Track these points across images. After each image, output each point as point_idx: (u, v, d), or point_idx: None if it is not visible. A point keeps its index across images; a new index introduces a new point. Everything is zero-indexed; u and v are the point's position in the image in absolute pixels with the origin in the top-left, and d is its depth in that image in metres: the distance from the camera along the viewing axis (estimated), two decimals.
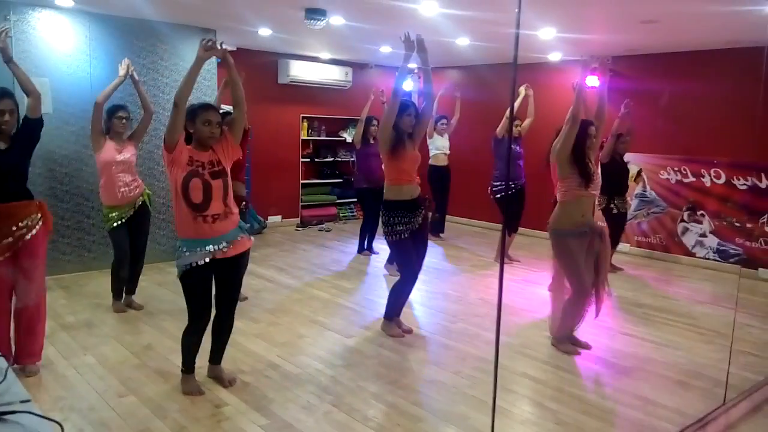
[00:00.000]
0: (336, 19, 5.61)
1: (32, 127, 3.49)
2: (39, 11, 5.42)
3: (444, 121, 7.76)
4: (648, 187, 7.30)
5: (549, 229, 4.10)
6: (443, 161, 7.76)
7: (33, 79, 5.29)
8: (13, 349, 3.55)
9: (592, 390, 3.63)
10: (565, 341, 4.18)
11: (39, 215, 3.46)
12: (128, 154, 4.64)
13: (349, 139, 8.87)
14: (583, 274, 3.99)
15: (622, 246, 6.92)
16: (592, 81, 7.40)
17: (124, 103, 4.90)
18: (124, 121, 4.62)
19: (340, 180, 9.37)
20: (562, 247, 4.04)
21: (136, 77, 4.78)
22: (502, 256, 2.63)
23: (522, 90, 6.33)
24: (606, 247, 4.13)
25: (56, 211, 5.61)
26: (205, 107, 3.20)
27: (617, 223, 6.21)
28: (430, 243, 4.56)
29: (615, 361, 4.05)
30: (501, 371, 3.80)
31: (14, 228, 3.33)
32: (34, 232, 3.41)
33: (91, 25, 5.75)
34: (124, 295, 4.87)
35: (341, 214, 9.47)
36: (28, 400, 1.42)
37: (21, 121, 3.48)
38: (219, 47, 3.22)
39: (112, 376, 3.60)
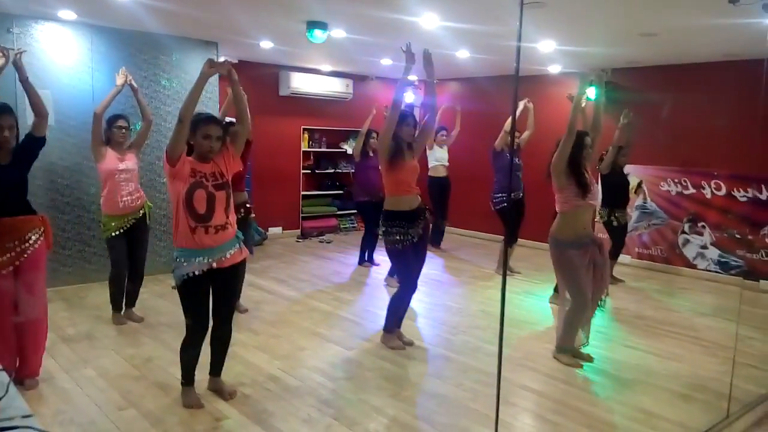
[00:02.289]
0: (337, 32, 5.64)
1: (34, 145, 3.51)
2: (42, 24, 5.45)
3: (444, 132, 7.78)
4: (648, 199, 7.31)
5: (549, 239, 4.10)
6: (442, 172, 7.78)
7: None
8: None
9: (595, 403, 3.60)
10: (568, 353, 4.16)
11: (41, 229, 3.46)
12: (130, 163, 4.65)
13: (349, 151, 8.89)
14: (583, 285, 3.99)
15: (623, 258, 6.92)
16: (591, 93, 7.46)
17: (124, 112, 4.91)
18: (123, 130, 4.63)
19: (341, 191, 9.38)
20: (562, 258, 4.03)
21: (135, 86, 4.78)
22: (505, 268, 2.63)
23: (521, 103, 6.35)
24: (605, 259, 4.13)
25: (57, 223, 5.61)
26: (206, 121, 3.20)
27: (618, 236, 6.22)
28: (430, 254, 4.56)
29: (617, 373, 4.03)
30: (503, 384, 3.78)
31: (16, 242, 3.33)
32: (36, 246, 3.41)
33: (93, 37, 5.78)
34: (124, 307, 4.86)
35: (342, 226, 9.47)
36: (29, 416, 1.41)
37: (23, 137, 3.49)
38: (224, 64, 3.23)
39: (113, 388, 3.58)
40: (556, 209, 4.11)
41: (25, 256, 3.36)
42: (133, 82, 4.75)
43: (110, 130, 4.61)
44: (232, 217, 3.30)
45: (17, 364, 3.52)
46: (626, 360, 4.27)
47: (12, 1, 4.80)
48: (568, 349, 4.16)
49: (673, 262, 7.14)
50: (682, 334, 4.86)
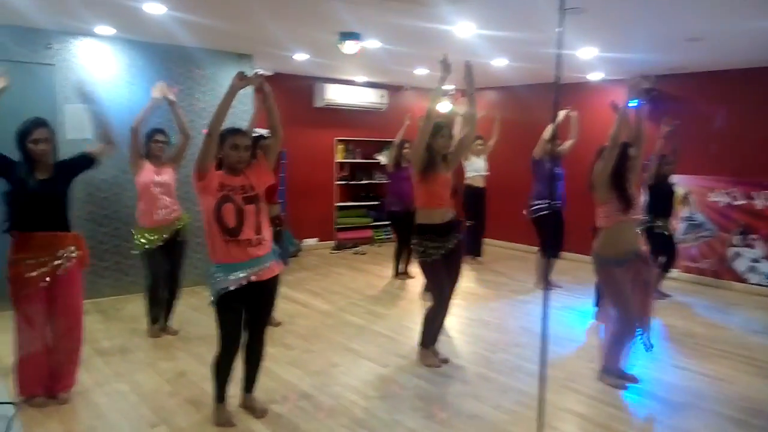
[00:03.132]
0: (371, 43, 5.58)
1: (85, 165, 3.56)
2: (80, 40, 5.54)
3: (480, 141, 7.63)
4: (696, 210, 7.01)
5: (592, 255, 3.93)
6: (480, 183, 7.63)
7: (73, 106, 5.48)
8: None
9: (642, 428, 3.42)
10: (613, 374, 3.96)
11: (74, 248, 3.45)
12: (167, 176, 4.66)
13: (384, 162, 8.81)
14: (629, 303, 3.79)
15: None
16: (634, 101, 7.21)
17: (163, 126, 4.93)
18: (161, 144, 4.65)
19: (376, 202, 9.30)
20: (607, 275, 3.85)
21: (173, 99, 4.78)
22: (546, 282, 2.48)
23: (562, 112, 6.17)
24: (651, 274, 3.93)
25: (95, 235, 5.68)
26: (234, 132, 3.18)
27: (667, 247, 5.97)
28: (466, 267, 4.41)
29: (666, 396, 3.81)
30: (545, 407, 3.61)
31: (48, 258, 3.33)
32: (69, 264, 3.40)
33: (130, 52, 5.85)
34: (160, 319, 4.85)
35: (376, 237, 9.39)
36: None
37: (78, 155, 3.54)
38: (255, 77, 3.20)
39: (145, 404, 3.55)
40: (598, 224, 3.93)
41: (58, 273, 3.36)
42: (170, 96, 4.75)
43: (148, 143, 4.64)
44: (267, 232, 3.24)
45: (50, 379, 3.51)
46: (675, 381, 4.05)
47: (51, 17, 4.88)
48: (614, 369, 3.96)
49: (722, 276, 6.82)
50: (734, 354, 4.60)
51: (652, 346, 3.94)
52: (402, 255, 6.94)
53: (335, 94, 8.42)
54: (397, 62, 6.90)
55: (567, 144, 6.34)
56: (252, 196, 3.15)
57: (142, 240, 4.60)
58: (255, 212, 3.15)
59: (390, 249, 7.75)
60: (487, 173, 7.68)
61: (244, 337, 3.32)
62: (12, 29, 5.15)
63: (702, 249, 6.99)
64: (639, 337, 3.90)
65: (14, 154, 3.35)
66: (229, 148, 3.11)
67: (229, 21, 4.92)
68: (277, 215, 4.84)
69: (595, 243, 3.91)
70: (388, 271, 7.16)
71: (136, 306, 5.41)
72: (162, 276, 4.72)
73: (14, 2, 4.34)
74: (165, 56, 6.04)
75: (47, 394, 3.48)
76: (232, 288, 3.08)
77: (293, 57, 6.65)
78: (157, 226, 4.60)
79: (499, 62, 6.60)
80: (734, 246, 6.72)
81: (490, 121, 7.54)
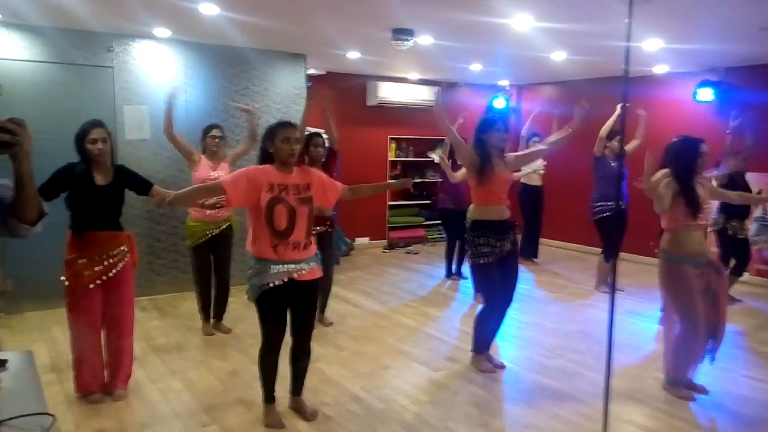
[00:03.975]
0: (424, 39, 5.47)
1: (140, 191, 3.61)
2: (139, 42, 5.67)
3: (536, 138, 7.39)
4: None
5: (660, 253, 3.70)
6: (537, 181, 7.41)
7: (133, 107, 5.61)
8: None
9: None
10: (680, 384, 3.73)
11: (127, 247, 3.51)
12: (222, 172, 4.70)
13: (437, 160, 8.68)
14: (696, 307, 3.56)
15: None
16: (705, 95, 6.83)
17: (219, 122, 4.99)
18: (217, 139, 4.71)
19: (428, 201, 9.18)
20: (674, 275, 3.62)
21: (248, 108, 4.94)
22: (613, 287, 2.33)
23: (619, 107, 5.83)
24: (724, 284, 3.67)
25: (153, 233, 5.80)
26: (284, 125, 3.14)
27: (740, 250, 5.63)
28: (521, 268, 4.24)
29: (737, 409, 3.56)
30: (602, 418, 3.43)
31: (103, 257, 3.39)
32: (122, 264, 3.46)
33: (187, 53, 5.94)
34: (212, 317, 4.90)
35: (429, 236, 9.27)
36: None
37: (140, 179, 3.61)
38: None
39: (197, 403, 3.57)
40: (663, 226, 3.70)
41: (114, 271, 3.41)
42: (244, 106, 5.00)
43: (205, 139, 4.72)
44: (313, 239, 3.20)
45: (106, 376, 3.59)
46: (747, 394, 3.78)
47: (109, 20, 5.00)
48: (681, 379, 3.73)
49: None
50: None
51: (714, 359, 3.70)
52: (454, 255, 6.80)
53: (388, 92, 8.34)
54: (450, 58, 6.76)
55: (632, 145, 6.02)
56: (306, 198, 3.10)
57: (193, 231, 4.65)
58: (308, 215, 3.10)
59: (442, 249, 7.63)
60: (544, 171, 7.44)
61: (289, 340, 3.27)
62: (72, 33, 5.31)
63: None
64: (710, 349, 3.66)
65: (73, 155, 3.41)
66: (280, 142, 3.06)
67: (281, 21, 4.91)
68: (329, 216, 4.79)
69: (662, 241, 3.70)
70: (441, 271, 7.04)
71: (192, 303, 5.48)
72: (208, 271, 4.75)
73: (74, 7, 4.45)
74: (220, 57, 6.11)
75: (104, 391, 3.55)
76: (272, 285, 3.02)
77: (346, 55, 6.61)
78: (207, 220, 4.64)
79: (558, 56, 6.36)
80: None
81: (547, 117, 7.29)
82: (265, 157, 3.15)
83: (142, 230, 5.67)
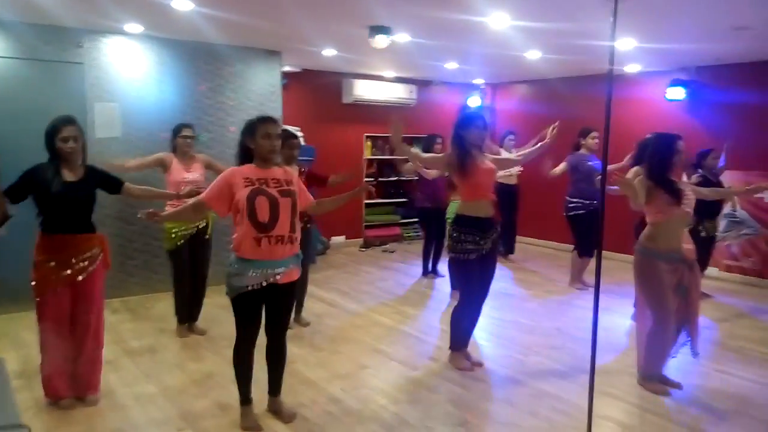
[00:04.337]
0: (401, 36, 5.45)
1: (111, 190, 3.58)
2: (109, 37, 5.54)
3: (512, 137, 7.45)
4: (738, 207, 6.70)
5: (637, 248, 3.74)
6: (513, 180, 7.44)
7: (104, 104, 5.49)
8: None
9: None
10: (653, 379, 3.78)
11: (99, 249, 3.42)
12: (196, 174, 4.63)
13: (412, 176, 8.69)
14: (667, 302, 3.61)
15: (710, 270, 6.36)
16: (676, 93, 6.94)
17: (190, 122, 4.90)
18: (189, 140, 4.64)
19: (404, 200, 9.18)
20: (647, 270, 3.66)
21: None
22: (597, 282, 2.33)
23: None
24: (697, 280, 3.73)
25: (124, 234, 5.69)
26: (264, 120, 3.09)
27: (705, 247, 5.70)
28: (497, 265, 4.26)
29: (711, 403, 3.62)
30: (580, 414, 3.45)
31: (74, 260, 3.29)
32: (94, 266, 3.37)
33: (159, 49, 5.83)
34: (186, 318, 4.81)
35: (405, 235, 9.27)
36: None
37: (116, 179, 3.57)
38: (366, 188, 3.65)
39: (172, 406, 3.50)
40: (647, 220, 3.74)
41: (84, 274, 3.32)
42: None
43: (176, 139, 4.62)
44: (299, 232, 3.15)
45: (77, 381, 3.49)
46: (720, 388, 3.85)
47: (80, 16, 4.88)
48: (655, 375, 3.78)
49: (766, 275, 6.53)
50: None
51: (697, 353, 3.76)
52: (431, 253, 6.81)
53: (364, 90, 8.31)
54: (426, 56, 6.76)
55: (559, 168, 6.17)
56: (288, 191, 3.06)
57: (170, 235, 4.56)
58: (291, 207, 3.05)
59: (419, 247, 7.63)
60: (520, 170, 7.49)
61: (264, 341, 3.24)
62: (41, 28, 5.16)
63: (744, 247, 6.71)
64: (686, 343, 3.72)
65: (42, 153, 3.32)
66: (261, 138, 3.01)
67: (257, 17, 4.85)
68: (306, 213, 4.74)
69: (641, 236, 3.74)
70: (417, 269, 7.03)
71: (165, 305, 5.40)
72: (187, 273, 4.68)
73: (43, 1, 4.33)
74: (193, 54, 6.01)
75: (75, 396, 3.45)
76: (250, 288, 2.99)
77: (322, 53, 6.56)
78: (183, 221, 4.56)
79: (533, 54, 6.40)
80: None
81: (519, 114, 7.35)
82: (245, 153, 3.10)
83: (113, 230, 5.54)
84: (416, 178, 6.87)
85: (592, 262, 6.52)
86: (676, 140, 3.65)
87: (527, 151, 4.39)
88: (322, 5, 4.47)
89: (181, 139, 4.61)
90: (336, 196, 3.58)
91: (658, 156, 3.64)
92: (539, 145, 4.28)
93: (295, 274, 3.16)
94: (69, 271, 3.26)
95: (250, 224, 2.97)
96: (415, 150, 4.10)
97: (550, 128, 4.17)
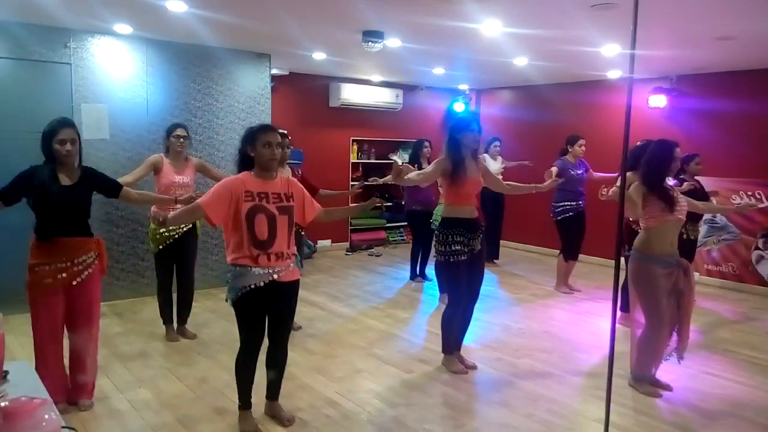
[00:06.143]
0: (393, 41, 5.48)
1: (108, 194, 3.52)
2: (98, 38, 5.47)
3: (497, 143, 7.53)
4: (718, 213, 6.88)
5: (632, 252, 3.81)
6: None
7: (91, 105, 5.42)
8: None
9: None
10: (644, 381, 3.86)
11: (96, 253, 3.37)
12: (187, 177, 4.60)
13: (399, 162, 8.71)
14: (661, 306, 3.68)
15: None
16: (657, 101, 7.09)
17: (184, 122, 4.86)
18: (182, 139, 4.58)
19: (390, 203, 9.20)
20: (643, 274, 3.73)
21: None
22: (616, 286, 2.36)
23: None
24: (691, 285, 3.81)
25: (111, 237, 5.61)
26: (265, 128, 3.08)
27: (687, 251, 5.80)
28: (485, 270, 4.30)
29: (701, 404, 3.71)
30: (575, 417, 3.53)
31: (69, 264, 3.24)
32: (90, 271, 3.32)
33: (148, 50, 5.77)
34: (176, 323, 4.77)
35: (390, 238, 9.29)
36: None
37: (114, 182, 3.52)
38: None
39: (168, 411, 3.47)
40: (642, 225, 3.81)
41: (80, 278, 3.27)
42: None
43: (168, 138, 4.58)
44: (293, 246, 3.15)
45: (70, 385, 3.44)
46: (708, 389, 3.94)
47: (69, 15, 4.81)
48: (646, 377, 3.86)
49: (746, 280, 6.70)
50: (765, 360, 4.48)
51: (682, 359, 3.85)
52: (419, 256, 6.84)
53: (351, 94, 8.33)
54: (415, 61, 6.80)
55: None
56: (287, 207, 3.05)
57: (156, 236, 4.52)
58: (288, 224, 3.05)
59: (404, 251, 7.69)
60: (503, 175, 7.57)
61: (265, 344, 3.22)
62: (27, 27, 5.08)
63: (724, 252, 6.87)
64: (676, 349, 3.80)
65: (33, 153, 3.27)
66: (261, 146, 3.00)
67: (249, 19, 4.83)
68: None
69: (638, 238, 3.80)
70: (404, 273, 7.06)
71: (153, 309, 5.32)
72: (170, 275, 4.64)
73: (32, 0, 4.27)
74: (182, 55, 5.96)
75: (69, 401, 3.40)
76: (253, 286, 2.97)
77: (311, 56, 6.56)
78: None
79: (520, 61, 6.49)
80: (758, 249, 6.60)
81: (503, 120, 7.43)
82: (245, 161, 3.09)
83: (100, 233, 5.37)
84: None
85: (576, 266, 6.62)
86: (674, 147, 3.72)
87: (519, 185, 4.58)
88: (316, 9, 4.48)
89: (174, 138, 4.56)
90: (347, 206, 3.60)
91: (656, 162, 3.70)
92: (533, 186, 4.48)
93: (296, 273, 3.17)
94: (64, 275, 3.21)
95: (248, 239, 2.96)
96: (412, 174, 4.13)
97: (553, 178, 4.27)
